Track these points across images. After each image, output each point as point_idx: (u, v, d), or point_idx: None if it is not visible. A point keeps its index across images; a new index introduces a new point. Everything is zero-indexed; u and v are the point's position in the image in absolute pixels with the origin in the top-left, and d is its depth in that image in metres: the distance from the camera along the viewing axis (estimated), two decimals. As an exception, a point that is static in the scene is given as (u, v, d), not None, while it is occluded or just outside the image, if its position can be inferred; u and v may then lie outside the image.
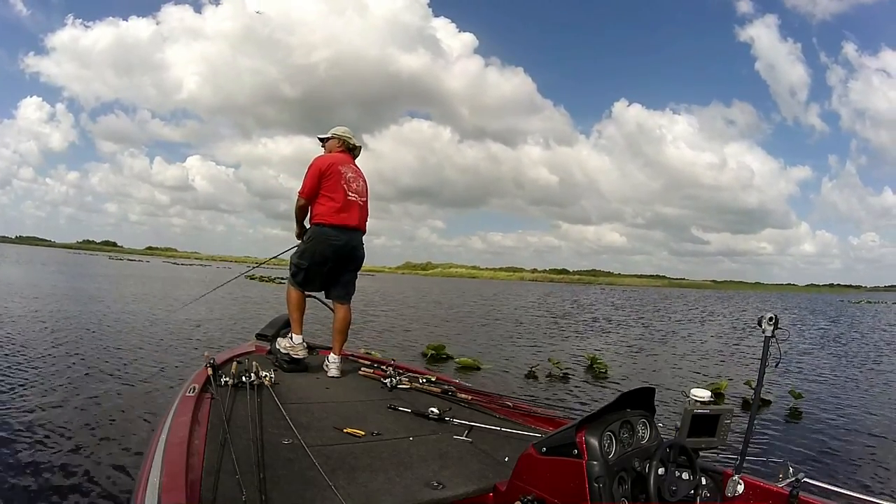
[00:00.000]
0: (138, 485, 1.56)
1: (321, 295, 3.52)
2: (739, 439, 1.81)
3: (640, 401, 1.77)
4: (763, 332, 1.69)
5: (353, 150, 3.50)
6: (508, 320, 15.90)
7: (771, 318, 1.68)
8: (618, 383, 6.80)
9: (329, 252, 3.29)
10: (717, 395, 5.79)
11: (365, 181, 3.44)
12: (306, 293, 3.41)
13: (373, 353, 4.50)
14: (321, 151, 3.47)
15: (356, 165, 3.46)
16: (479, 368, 7.02)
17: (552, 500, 1.53)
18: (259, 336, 3.69)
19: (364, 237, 3.45)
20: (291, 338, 3.27)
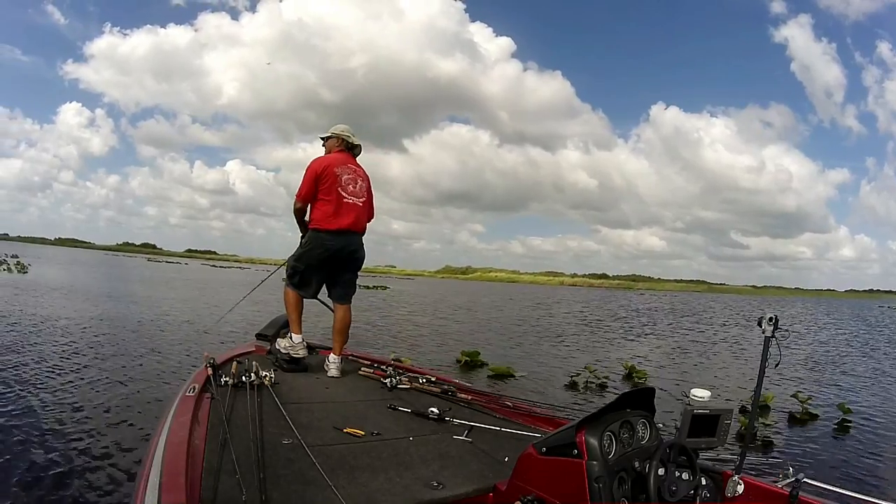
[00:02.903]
0: (138, 485, 1.55)
1: (324, 296, 3.52)
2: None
3: (641, 401, 1.77)
4: (763, 333, 1.69)
5: (353, 149, 3.46)
6: (546, 326, 15.65)
7: (771, 319, 1.68)
8: (657, 395, 6.49)
9: (325, 256, 3.30)
10: (763, 408, 5.57)
11: (365, 180, 3.41)
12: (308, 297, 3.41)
13: (404, 359, 4.30)
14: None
15: (356, 165, 3.42)
16: (512, 376, 6.87)
17: (552, 500, 1.53)
18: (259, 336, 3.69)
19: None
20: (291, 337, 3.28)
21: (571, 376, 6.98)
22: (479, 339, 11.21)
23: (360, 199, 3.35)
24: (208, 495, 1.51)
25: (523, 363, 8.16)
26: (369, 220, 3.48)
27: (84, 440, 3.57)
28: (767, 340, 1.70)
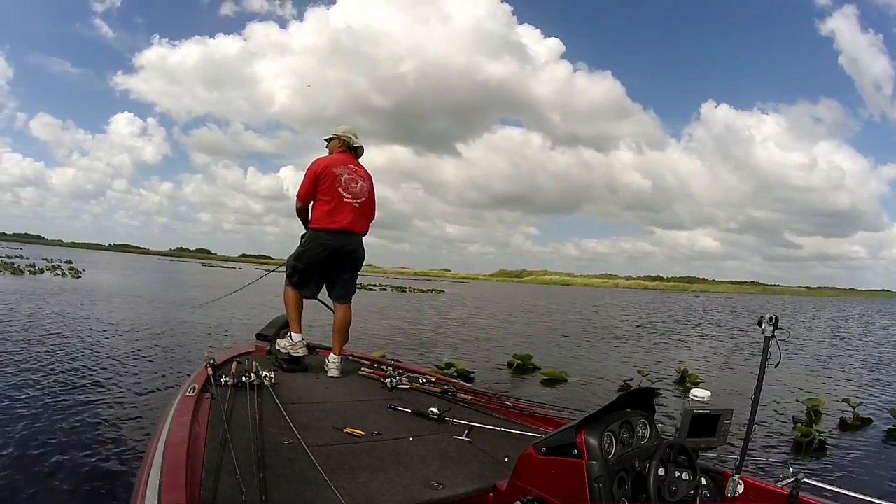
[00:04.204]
0: (138, 484, 1.55)
1: (323, 295, 3.53)
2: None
3: (641, 401, 1.77)
4: (763, 333, 1.69)
5: (355, 150, 3.48)
6: (601, 328, 15.54)
7: (771, 319, 1.68)
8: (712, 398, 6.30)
9: (324, 256, 3.31)
10: (815, 413, 5.48)
11: (367, 181, 3.41)
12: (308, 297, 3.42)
13: (456, 363, 4.16)
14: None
15: (357, 165, 3.44)
16: (565, 381, 6.75)
17: (552, 500, 1.53)
18: (259, 336, 3.70)
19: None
20: (291, 337, 3.28)
21: (625, 380, 6.93)
22: (535, 341, 11.14)
23: (360, 200, 3.35)
24: (208, 495, 1.51)
25: (577, 366, 8.01)
26: (371, 221, 3.49)
27: (86, 439, 3.55)
28: (767, 340, 1.70)
